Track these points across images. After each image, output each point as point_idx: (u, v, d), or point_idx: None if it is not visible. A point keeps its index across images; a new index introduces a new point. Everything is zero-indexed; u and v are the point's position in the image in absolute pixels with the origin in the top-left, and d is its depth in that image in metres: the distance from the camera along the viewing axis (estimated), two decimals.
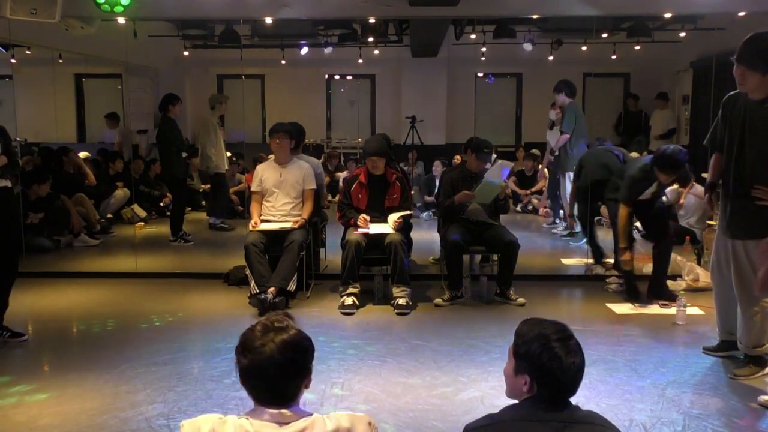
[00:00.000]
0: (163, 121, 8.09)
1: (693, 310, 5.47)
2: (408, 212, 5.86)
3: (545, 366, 1.94)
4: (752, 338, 4.04)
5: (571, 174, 7.75)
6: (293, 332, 1.91)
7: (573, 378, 1.97)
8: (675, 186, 7.73)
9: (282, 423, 1.86)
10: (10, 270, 4.78)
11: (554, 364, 1.93)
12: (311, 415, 1.91)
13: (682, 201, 7.77)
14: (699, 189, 7.65)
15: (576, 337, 2.02)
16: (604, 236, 8.37)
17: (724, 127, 4.02)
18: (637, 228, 8.45)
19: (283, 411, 1.87)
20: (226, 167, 9.03)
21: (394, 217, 5.71)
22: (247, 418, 1.87)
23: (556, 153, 7.82)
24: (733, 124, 3.92)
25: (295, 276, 5.61)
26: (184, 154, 8.31)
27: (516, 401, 2.05)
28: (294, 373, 1.89)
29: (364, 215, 5.76)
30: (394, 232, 5.62)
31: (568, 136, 7.68)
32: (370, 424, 1.95)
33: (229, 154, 10.26)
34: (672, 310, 5.48)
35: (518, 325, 2.09)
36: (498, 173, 5.81)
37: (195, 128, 10.14)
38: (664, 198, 7.88)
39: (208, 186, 9.43)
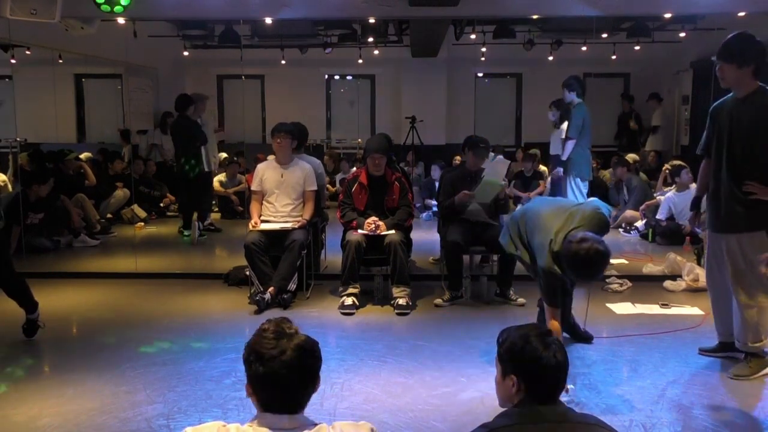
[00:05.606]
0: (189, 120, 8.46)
1: (693, 310, 5.47)
2: (403, 217, 5.81)
3: (526, 359, 2.03)
4: (750, 335, 4.06)
5: (577, 179, 7.65)
6: (304, 337, 1.88)
7: (555, 371, 2.02)
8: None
9: (287, 431, 1.83)
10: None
11: (535, 357, 2.01)
12: (315, 424, 1.87)
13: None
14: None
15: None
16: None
17: (713, 131, 4.19)
18: (636, 228, 8.48)
19: (290, 419, 1.84)
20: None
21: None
22: (251, 426, 1.83)
23: (564, 158, 7.68)
24: (721, 126, 4.10)
25: (295, 276, 5.62)
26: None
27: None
28: (309, 379, 1.87)
29: (374, 218, 5.69)
30: (393, 232, 5.63)
31: (575, 141, 7.52)
32: (372, 430, 1.91)
33: (225, 155, 10.26)
34: (672, 311, 5.48)
35: (498, 334, 2.18)
36: (496, 171, 5.81)
37: None
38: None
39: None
